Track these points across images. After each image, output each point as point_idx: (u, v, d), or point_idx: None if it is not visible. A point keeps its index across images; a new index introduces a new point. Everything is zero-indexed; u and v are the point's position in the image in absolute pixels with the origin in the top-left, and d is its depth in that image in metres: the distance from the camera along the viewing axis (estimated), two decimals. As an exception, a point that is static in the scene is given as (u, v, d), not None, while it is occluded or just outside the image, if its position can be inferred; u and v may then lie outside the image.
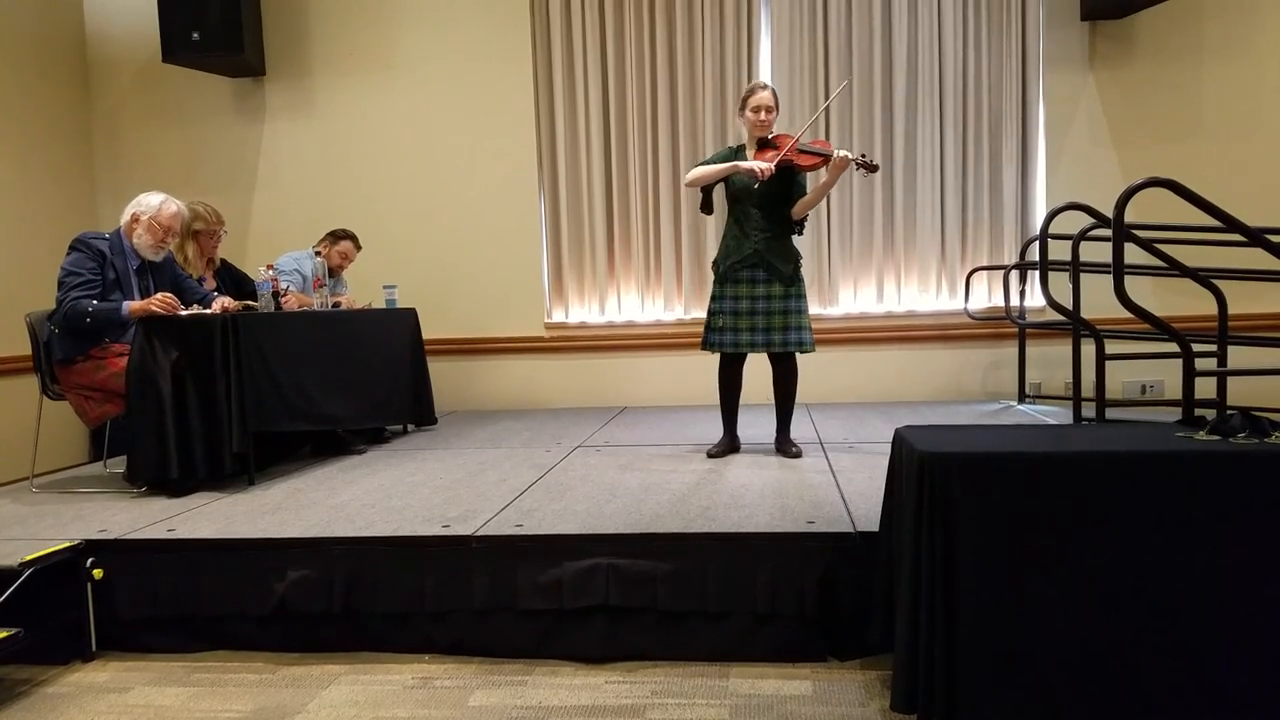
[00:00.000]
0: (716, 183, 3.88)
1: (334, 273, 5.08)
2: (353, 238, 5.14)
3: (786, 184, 3.83)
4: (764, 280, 3.84)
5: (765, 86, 3.83)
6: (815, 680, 2.56)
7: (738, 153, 3.93)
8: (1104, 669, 2.08)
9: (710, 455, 4.01)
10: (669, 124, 5.75)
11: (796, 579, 2.69)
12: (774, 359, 3.94)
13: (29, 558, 2.77)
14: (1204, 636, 2.06)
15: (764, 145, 3.85)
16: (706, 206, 3.96)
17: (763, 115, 3.81)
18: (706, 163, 3.92)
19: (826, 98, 5.60)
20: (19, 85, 5.54)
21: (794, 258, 3.89)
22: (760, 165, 3.68)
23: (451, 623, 2.83)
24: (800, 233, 3.95)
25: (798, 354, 3.92)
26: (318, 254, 5.01)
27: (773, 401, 4.04)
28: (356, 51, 5.95)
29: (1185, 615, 2.06)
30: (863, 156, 3.74)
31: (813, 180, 3.85)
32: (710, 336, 3.93)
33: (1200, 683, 2.06)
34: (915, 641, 2.13)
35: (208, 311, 3.89)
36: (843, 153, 3.68)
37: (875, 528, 2.62)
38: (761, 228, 3.84)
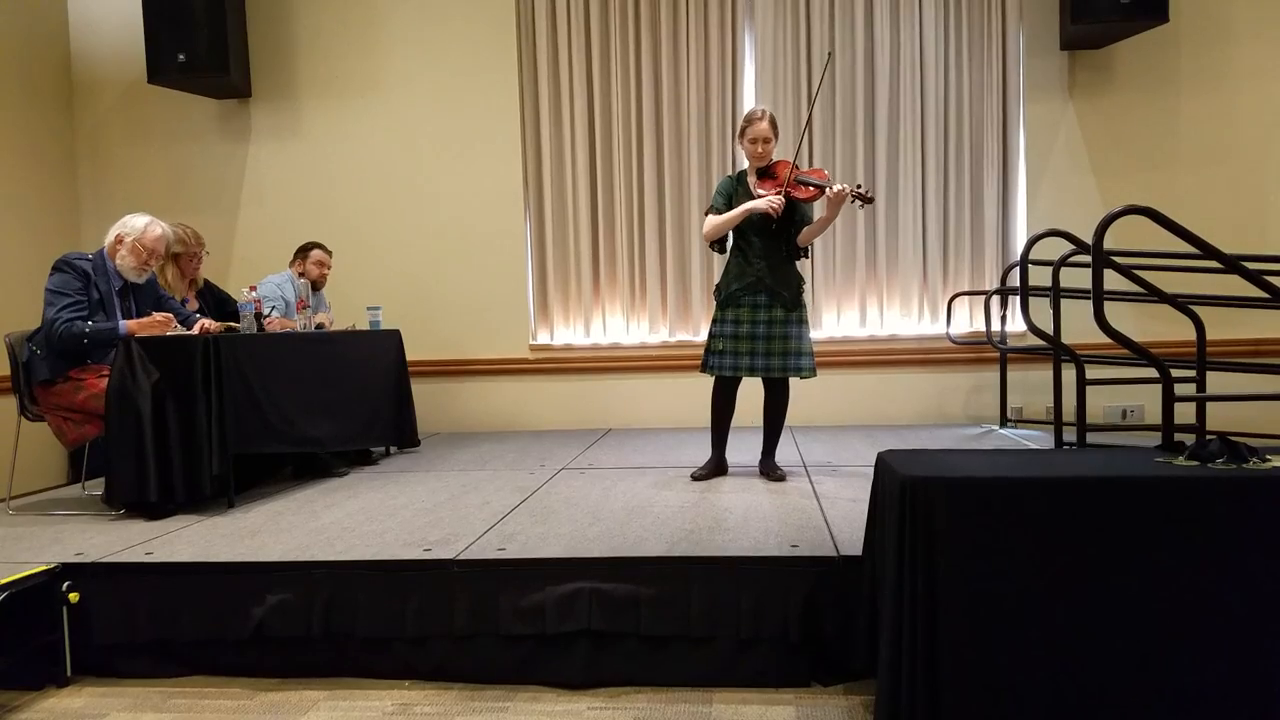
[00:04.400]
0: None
1: (316, 286, 5.07)
2: (320, 245, 5.15)
3: (789, 212, 3.83)
4: (765, 305, 3.85)
5: (763, 116, 3.83)
6: (799, 705, 2.55)
7: (740, 180, 3.96)
8: (1086, 694, 2.08)
9: (695, 478, 4.01)
10: (654, 145, 5.78)
11: (780, 604, 2.69)
12: (768, 384, 3.95)
13: (4, 581, 2.73)
14: (1184, 660, 2.07)
15: (763, 174, 3.89)
16: (719, 247, 4.00)
17: (759, 147, 3.84)
18: (714, 207, 3.93)
19: (810, 122, 5.65)
20: (2, 105, 5.51)
21: (795, 283, 3.90)
22: (773, 203, 3.71)
23: (432, 648, 2.80)
24: (806, 256, 3.97)
25: (794, 379, 3.92)
26: (300, 274, 5.00)
27: (759, 424, 4.05)
28: (342, 73, 5.97)
29: (1166, 639, 2.07)
30: (859, 188, 3.74)
31: (818, 209, 3.86)
32: (709, 360, 3.93)
33: (1181, 706, 2.07)
34: (898, 666, 2.13)
35: (189, 333, 3.88)
36: (839, 187, 3.68)
37: (858, 552, 2.62)
38: (763, 254, 3.86)
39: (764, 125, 3.82)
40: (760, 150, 3.85)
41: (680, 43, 5.75)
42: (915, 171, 5.63)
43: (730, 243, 3.96)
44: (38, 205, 5.76)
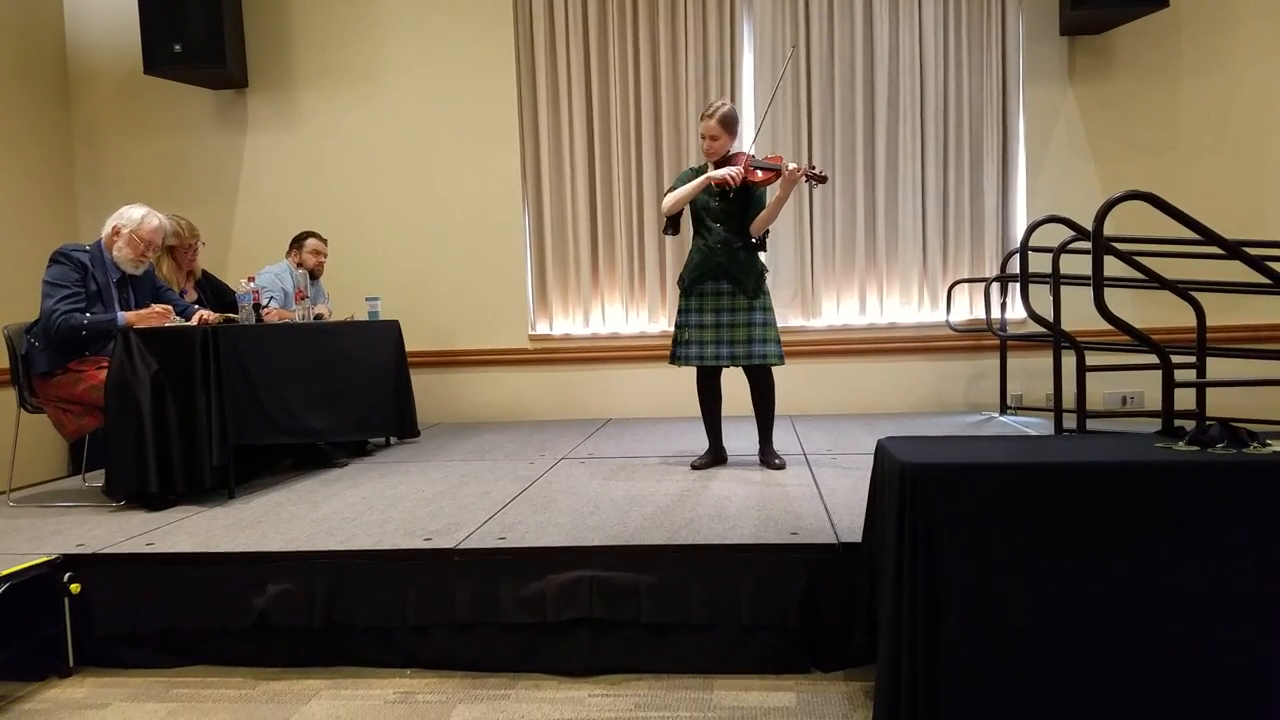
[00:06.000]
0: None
1: (314, 276, 5.06)
2: (315, 234, 5.15)
3: (745, 199, 3.86)
4: (728, 293, 3.86)
5: (713, 114, 3.82)
6: (799, 692, 2.56)
7: (698, 172, 3.96)
8: (1086, 679, 2.08)
9: (694, 467, 4.01)
10: (652, 135, 5.76)
11: (780, 591, 2.69)
12: (748, 372, 3.95)
13: (5, 573, 2.74)
14: (1185, 644, 2.07)
15: (721, 165, 3.89)
16: (673, 228, 4.00)
17: (706, 144, 3.86)
18: (674, 188, 3.95)
19: (808, 111, 5.65)
20: (-2, 96, 5.51)
21: (757, 270, 3.91)
22: (731, 172, 3.73)
23: (433, 637, 2.81)
24: (763, 248, 3.99)
25: (769, 366, 3.92)
26: (298, 265, 5.00)
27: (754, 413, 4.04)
28: (339, 64, 5.94)
29: (1166, 623, 2.07)
30: (812, 168, 3.77)
31: (772, 192, 3.88)
32: (677, 350, 3.95)
33: (1182, 689, 2.07)
34: (898, 654, 2.13)
35: (187, 324, 3.87)
36: (792, 165, 3.72)
37: (858, 539, 2.62)
38: (724, 241, 3.86)
39: (710, 123, 3.82)
40: (707, 146, 3.86)
41: (679, 32, 5.72)
42: (914, 158, 5.61)
43: (683, 226, 3.97)
44: (34, 197, 5.75)
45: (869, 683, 2.51)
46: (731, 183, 3.72)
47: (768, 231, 3.95)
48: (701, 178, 3.84)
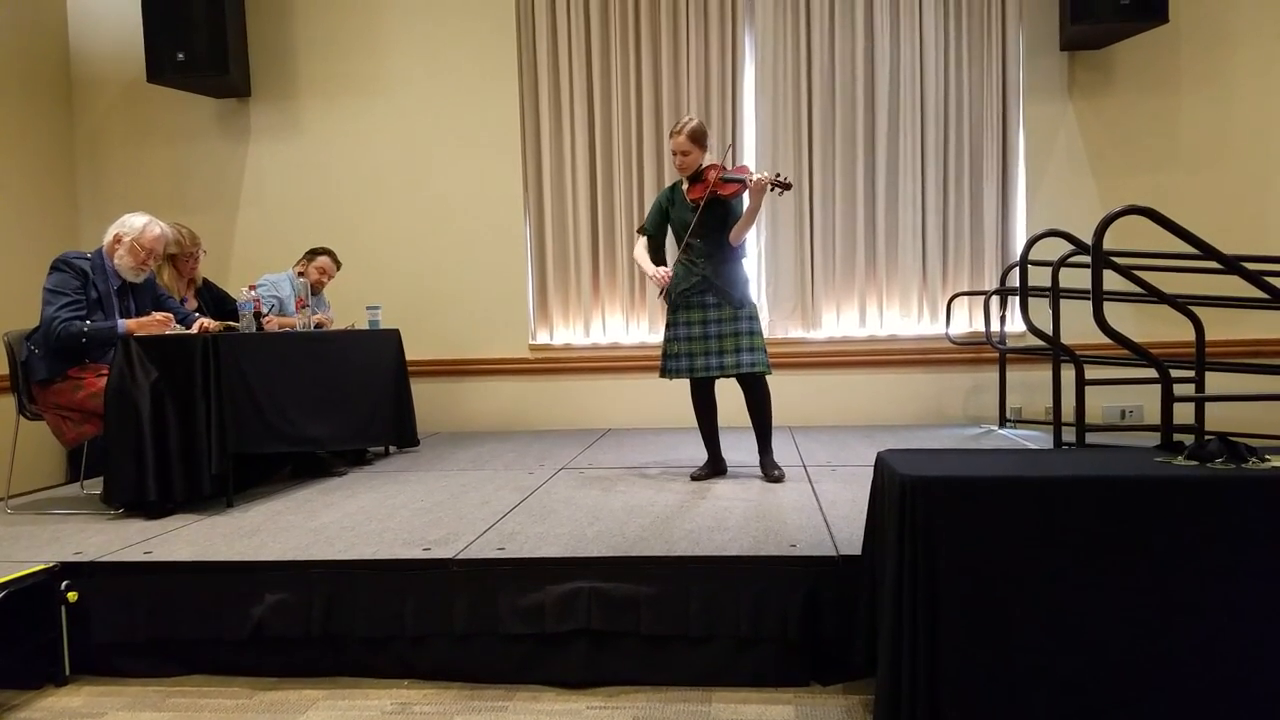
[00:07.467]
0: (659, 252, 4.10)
1: (315, 290, 5.06)
2: (330, 254, 5.13)
3: (721, 212, 3.90)
4: (714, 305, 3.89)
5: (681, 130, 3.88)
6: (798, 705, 2.55)
7: (674, 189, 4.04)
8: (1085, 693, 2.08)
9: (693, 478, 4.01)
10: (654, 146, 5.78)
11: (779, 603, 2.69)
12: (742, 382, 3.96)
13: (2, 580, 2.73)
14: (1183, 658, 2.07)
15: (694, 179, 3.95)
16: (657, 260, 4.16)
17: (678, 159, 3.92)
18: (643, 228, 4.12)
19: (809, 123, 5.66)
20: (2, 103, 5.51)
21: (741, 281, 3.95)
22: (659, 274, 3.95)
23: (431, 647, 2.80)
24: (744, 255, 4.02)
25: (760, 375, 3.93)
26: (300, 274, 5.00)
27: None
28: (342, 73, 5.96)
29: (1165, 638, 2.07)
30: (777, 176, 3.79)
31: (746, 202, 3.92)
32: (667, 364, 3.97)
33: (1180, 704, 2.07)
34: (898, 667, 2.13)
35: (188, 332, 3.87)
36: (757, 176, 3.76)
37: (858, 551, 2.62)
38: (706, 255, 3.90)
39: (680, 139, 3.88)
40: (678, 162, 3.93)
41: (680, 43, 5.74)
42: (915, 172, 5.63)
43: (669, 254, 4.10)
44: (36, 204, 5.76)
45: (868, 696, 2.51)
46: (660, 284, 3.93)
47: (744, 240, 3.99)
48: (643, 271, 4.08)
